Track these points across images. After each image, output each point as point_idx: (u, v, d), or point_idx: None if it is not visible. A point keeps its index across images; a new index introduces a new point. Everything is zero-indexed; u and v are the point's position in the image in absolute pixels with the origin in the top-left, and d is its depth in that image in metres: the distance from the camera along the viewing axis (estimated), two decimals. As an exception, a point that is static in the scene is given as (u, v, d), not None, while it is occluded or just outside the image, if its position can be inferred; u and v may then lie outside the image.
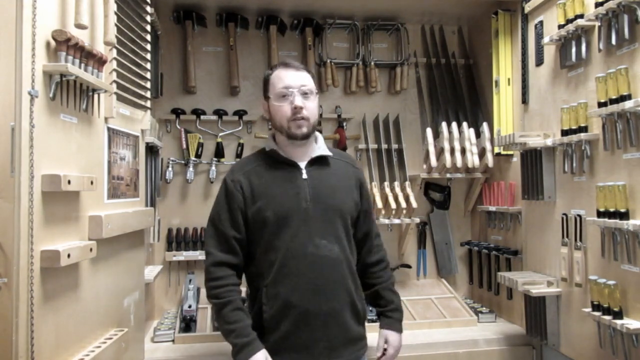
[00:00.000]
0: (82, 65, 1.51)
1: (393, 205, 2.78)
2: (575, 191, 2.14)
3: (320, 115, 2.81)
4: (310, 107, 1.74)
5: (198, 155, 2.87)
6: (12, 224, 1.27)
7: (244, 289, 1.90)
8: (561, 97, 2.25)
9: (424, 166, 2.96)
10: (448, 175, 2.93)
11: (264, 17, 2.93)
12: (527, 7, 2.47)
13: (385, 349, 1.86)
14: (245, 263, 1.79)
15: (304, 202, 1.72)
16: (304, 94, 1.72)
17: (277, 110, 1.74)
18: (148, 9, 2.20)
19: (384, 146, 3.03)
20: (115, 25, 1.77)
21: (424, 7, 2.97)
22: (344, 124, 3.03)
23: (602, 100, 1.90)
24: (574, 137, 2.06)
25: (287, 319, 1.70)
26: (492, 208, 2.79)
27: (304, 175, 1.75)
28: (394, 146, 3.02)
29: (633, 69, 1.82)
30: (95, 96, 1.65)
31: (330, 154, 1.84)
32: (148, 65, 2.17)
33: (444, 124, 2.88)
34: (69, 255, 1.38)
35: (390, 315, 1.90)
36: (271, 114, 1.77)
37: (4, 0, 1.29)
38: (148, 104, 2.18)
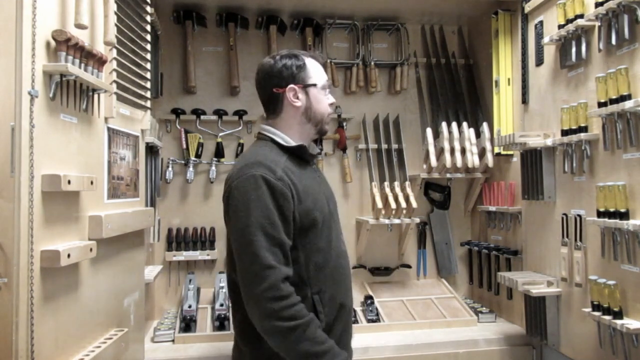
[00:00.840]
0: (82, 65, 1.51)
1: (393, 205, 2.78)
2: (575, 191, 2.14)
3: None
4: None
5: (198, 155, 2.87)
6: (12, 224, 1.27)
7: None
8: (561, 97, 2.25)
9: (424, 166, 2.96)
10: (448, 175, 2.93)
11: (264, 17, 2.93)
12: (527, 7, 2.47)
13: None
14: None
15: (329, 200, 1.65)
16: None
17: (321, 101, 1.61)
18: (148, 9, 2.20)
19: (384, 146, 3.03)
20: (115, 25, 1.77)
21: (424, 7, 2.97)
22: (344, 124, 3.03)
23: (602, 100, 1.90)
24: (574, 137, 2.06)
25: (340, 321, 1.59)
26: (492, 208, 2.79)
27: (317, 173, 1.70)
28: (394, 146, 3.02)
29: (633, 69, 1.82)
30: (95, 96, 1.65)
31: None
32: (148, 65, 2.17)
33: (444, 124, 2.88)
34: (69, 255, 1.38)
35: None
36: (312, 104, 1.60)
37: (4, 0, 1.29)
38: (148, 104, 2.18)
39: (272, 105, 1.62)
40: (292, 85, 1.58)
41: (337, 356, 1.45)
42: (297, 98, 1.59)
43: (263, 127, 1.65)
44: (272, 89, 1.60)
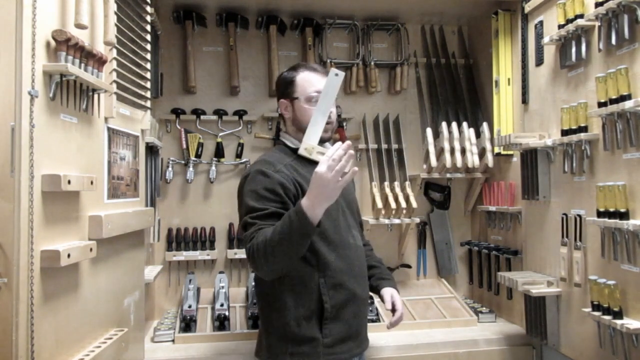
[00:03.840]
0: (82, 65, 1.51)
1: (393, 205, 2.78)
2: (575, 191, 2.14)
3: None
4: (334, 113, 1.81)
5: (198, 155, 2.87)
6: (12, 224, 1.27)
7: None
8: (561, 97, 2.25)
9: (424, 166, 2.96)
10: (448, 175, 2.93)
11: (264, 17, 2.93)
12: (527, 7, 2.47)
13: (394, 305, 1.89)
14: None
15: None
16: None
17: (306, 112, 1.76)
18: (148, 9, 2.20)
19: (384, 146, 3.03)
20: (115, 25, 1.77)
21: (424, 7, 2.97)
22: (344, 124, 3.02)
23: (602, 100, 1.90)
24: (574, 137, 2.06)
25: (350, 308, 1.75)
26: (492, 208, 2.79)
27: None
28: (394, 146, 3.02)
29: (633, 69, 1.82)
30: (95, 96, 1.65)
31: None
32: (148, 65, 2.17)
33: (444, 124, 2.88)
34: (69, 255, 1.38)
35: (389, 277, 2.03)
36: (297, 115, 1.80)
37: (4, 0, 1.29)
38: (148, 104, 2.18)
39: (279, 114, 1.90)
40: (282, 100, 1.84)
41: (291, 216, 1.53)
42: (286, 110, 1.84)
43: (282, 134, 1.90)
44: (277, 100, 1.88)
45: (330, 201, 1.53)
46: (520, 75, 2.55)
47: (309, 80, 1.79)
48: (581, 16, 2.05)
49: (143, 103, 2.12)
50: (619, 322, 1.78)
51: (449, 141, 2.84)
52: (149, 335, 2.45)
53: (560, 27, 2.16)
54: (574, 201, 2.14)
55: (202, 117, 2.90)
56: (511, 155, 2.70)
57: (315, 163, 1.61)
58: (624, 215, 1.80)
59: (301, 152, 1.65)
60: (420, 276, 3.11)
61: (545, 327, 2.28)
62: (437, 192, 3.12)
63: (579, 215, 2.09)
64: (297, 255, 1.58)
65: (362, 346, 1.83)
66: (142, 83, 2.11)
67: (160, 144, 2.59)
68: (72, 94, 1.52)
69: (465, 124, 2.85)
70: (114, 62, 1.80)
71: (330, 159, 1.49)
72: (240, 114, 2.94)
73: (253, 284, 2.40)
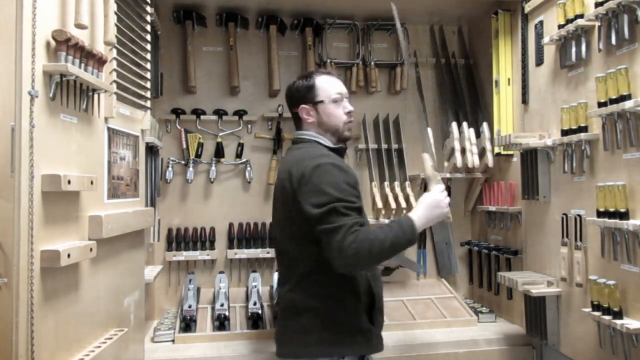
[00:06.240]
0: (82, 65, 1.51)
1: (393, 205, 2.78)
2: (575, 191, 2.14)
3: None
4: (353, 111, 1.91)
5: (198, 155, 2.87)
6: (12, 224, 1.27)
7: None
8: (561, 97, 2.25)
9: (424, 166, 2.95)
10: (448, 175, 2.93)
11: (264, 17, 2.93)
12: (527, 7, 2.48)
13: None
14: None
15: None
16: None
17: (333, 113, 1.83)
18: (148, 9, 2.20)
19: (384, 146, 3.03)
20: (115, 25, 1.77)
21: (424, 7, 2.97)
22: (344, 123, 3.02)
23: (602, 100, 1.90)
24: (574, 137, 2.06)
25: (382, 299, 1.87)
26: (492, 208, 2.79)
27: None
28: (394, 146, 3.02)
29: (633, 68, 1.82)
30: (95, 96, 1.65)
31: None
32: (148, 65, 2.17)
33: (453, 125, 2.87)
34: (69, 255, 1.38)
35: None
36: (323, 118, 1.83)
37: (4, 0, 1.29)
38: (148, 104, 2.18)
39: (295, 121, 1.90)
40: (303, 105, 1.83)
41: (405, 222, 1.66)
42: (309, 115, 1.83)
43: (304, 132, 1.85)
44: (292, 109, 1.89)
45: (435, 222, 1.82)
46: (520, 75, 2.55)
47: (330, 84, 1.84)
48: (581, 16, 2.05)
49: (143, 103, 2.12)
50: (618, 322, 1.78)
51: (449, 141, 2.84)
52: (149, 335, 2.45)
53: (560, 27, 2.16)
54: (574, 201, 2.14)
55: (202, 117, 2.90)
56: (511, 155, 2.70)
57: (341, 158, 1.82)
58: (624, 215, 1.80)
59: (428, 172, 1.88)
60: (420, 276, 3.10)
61: (545, 327, 2.28)
62: (437, 192, 3.11)
63: (579, 215, 2.09)
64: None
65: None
66: (142, 83, 2.11)
67: (160, 144, 2.59)
68: (72, 94, 1.52)
69: (465, 124, 2.85)
70: (114, 62, 1.80)
71: (444, 189, 1.81)
72: (240, 114, 2.94)
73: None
